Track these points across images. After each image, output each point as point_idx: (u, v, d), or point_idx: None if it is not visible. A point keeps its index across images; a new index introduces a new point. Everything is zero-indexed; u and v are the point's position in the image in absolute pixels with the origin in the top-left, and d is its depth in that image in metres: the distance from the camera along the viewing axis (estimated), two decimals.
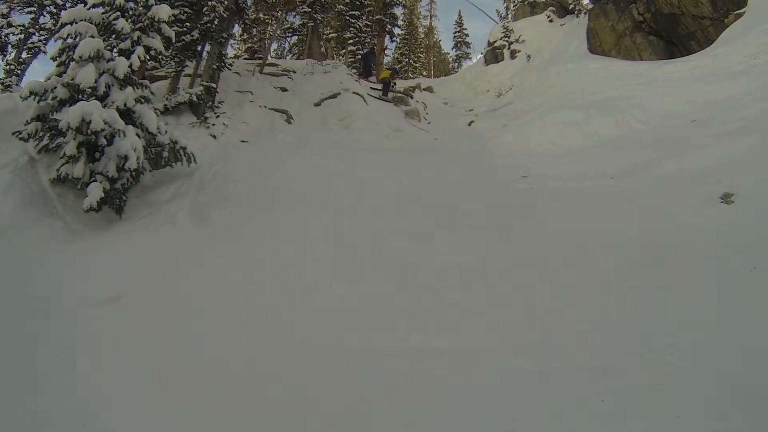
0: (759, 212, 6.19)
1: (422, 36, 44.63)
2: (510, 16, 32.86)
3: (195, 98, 13.91)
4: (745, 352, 3.91)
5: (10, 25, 19.04)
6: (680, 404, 3.57)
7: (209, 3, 14.57)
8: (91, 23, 9.87)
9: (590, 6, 21.76)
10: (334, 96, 17.52)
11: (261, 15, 27.74)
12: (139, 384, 4.71)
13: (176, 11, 13.33)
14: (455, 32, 44.23)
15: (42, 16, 19.57)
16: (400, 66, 37.27)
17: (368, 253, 7.36)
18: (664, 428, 3.41)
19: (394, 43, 38.95)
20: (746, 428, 3.28)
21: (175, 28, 12.92)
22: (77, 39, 9.71)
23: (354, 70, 24.01)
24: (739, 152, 8.01)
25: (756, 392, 3.50)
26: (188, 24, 14.85)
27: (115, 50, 10.60)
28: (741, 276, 5.01)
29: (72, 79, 9.40)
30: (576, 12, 23.70)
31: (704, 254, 5.69)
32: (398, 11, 30.08)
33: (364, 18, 26.91)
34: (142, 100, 10.30)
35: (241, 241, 8.19)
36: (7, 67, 18.97)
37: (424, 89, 24.86)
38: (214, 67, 15.01)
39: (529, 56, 24.18)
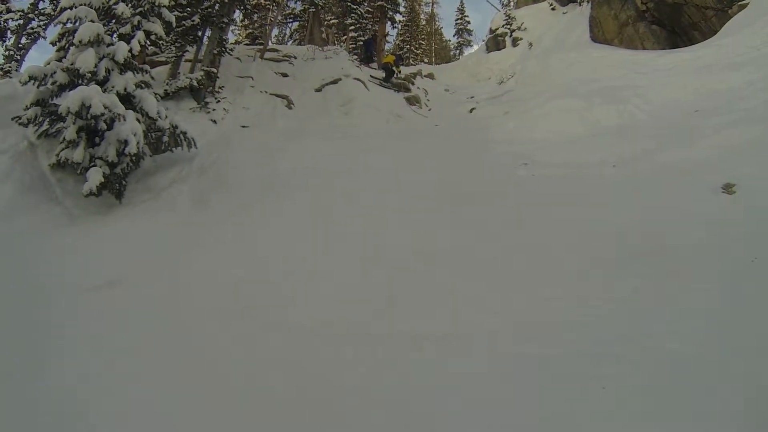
0: (760, 203, 6.22)
1: (424, 23, 44.35)
2: (512, 3, 32.76)
3: (195, 83, 13.89)
4: (745, 341, 3.93)
5: (9, 11, 18.95)
6: (680, 391, 3.58)
7: None
8: (91, 8, 9.79)
9: None
10: (335, 82, 17.49)
11: (262, 0, 27.55)
12: (139, 369, 4.70)
13: None
14: (457, 19, 44.17)
15: (41, 2, 19.49)
16: (401, 52, 36.98)
17: (369, 238, 7.35)
18: (665, 415, 3.42)
19: (396, 30, 38.72)
20: (746, 415, 3.29)
21: (176, 12, 12.83)
22: (77, 24, 9.64)
23: (355, 57, 23.87)
24: (741, 143, 8.01)
25: (756, 380, 3.52)
26: (189, 9, 14.79)
27: (115, 35, 10.56)
28: (741, 266, 5.04)
29: (72, 64, 9.33)
30: (578, 0, 23.48)
31: (705, 244, 5.71)
32: None
33: (366, 4, 26.70)
34: (143, 85, 10.24)
35: (241, 226, 8.18)
36: (7, 52, 18.95)
37: (425, 76, 24.79)
38: (215, 52, 14.97)
39: (530, 44, 24.08)
